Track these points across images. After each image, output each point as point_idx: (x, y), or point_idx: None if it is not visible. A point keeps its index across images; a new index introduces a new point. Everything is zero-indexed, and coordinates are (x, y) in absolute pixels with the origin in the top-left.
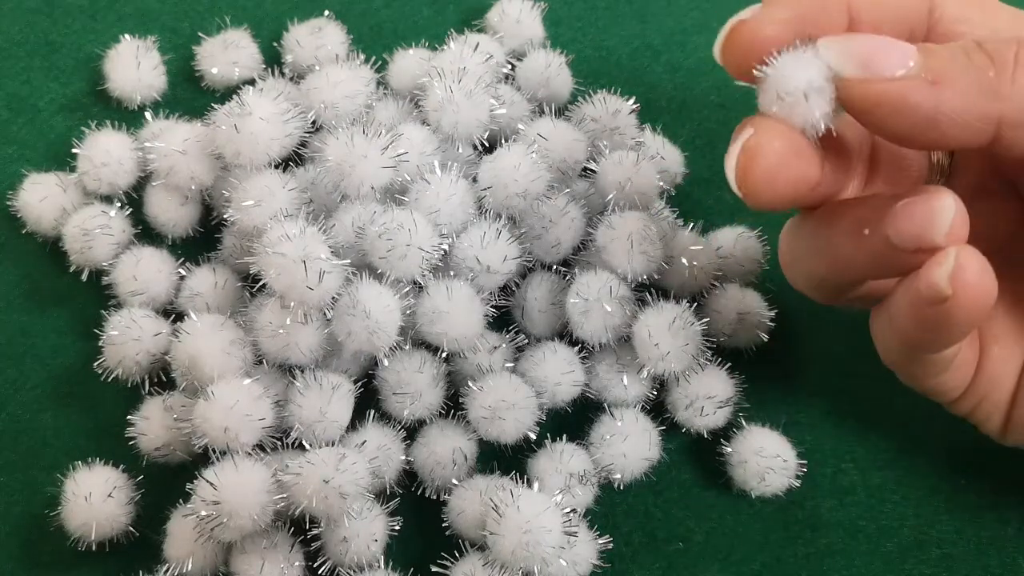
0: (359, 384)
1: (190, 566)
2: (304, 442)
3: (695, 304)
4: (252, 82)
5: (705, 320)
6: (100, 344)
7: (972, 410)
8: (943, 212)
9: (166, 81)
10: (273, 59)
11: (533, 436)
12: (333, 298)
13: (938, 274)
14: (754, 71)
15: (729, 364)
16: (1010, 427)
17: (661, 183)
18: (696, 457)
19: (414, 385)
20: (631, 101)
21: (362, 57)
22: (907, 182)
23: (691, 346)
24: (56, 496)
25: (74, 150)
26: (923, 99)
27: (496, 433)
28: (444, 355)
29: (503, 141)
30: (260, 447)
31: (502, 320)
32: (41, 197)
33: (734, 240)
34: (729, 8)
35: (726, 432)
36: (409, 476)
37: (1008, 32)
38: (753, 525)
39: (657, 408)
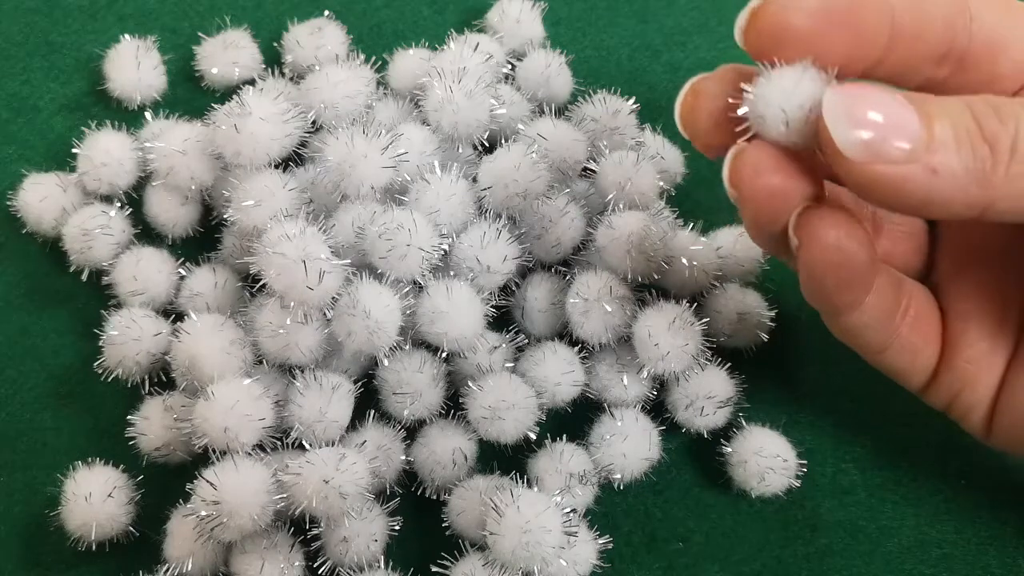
0: (359, 384)
1: (190, 566)
2: (304, 442)
3: (695, 304)
4: (252, 82)
5: (705, 320)
6: (100, 344)
7: (948, 406)
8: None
9: (166, 81)
10: (273, 59)
11: (533, 436)
12: (333, 298)
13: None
14: (742, 88)
15: (729, 364)
16: (992, 431)
17: (661, 183)
18: (696, 457)
19: (414, 385)
20: (631, 101)
21: (362, 57)
22: None
23: (691, 346)
24: (56, 496)
25: (74, 150)
26: (920, 186)
27: (496, 433)
28: (444, 355)
29: (503, 141)
30: (260, 447)
31: (502, 320)
32: (41, 197)
33: (734, 240)
34: (729, 8)
35: (726, 432)
36: (409, 476)
37: None
38: (753, 525)
39: (657, 408)
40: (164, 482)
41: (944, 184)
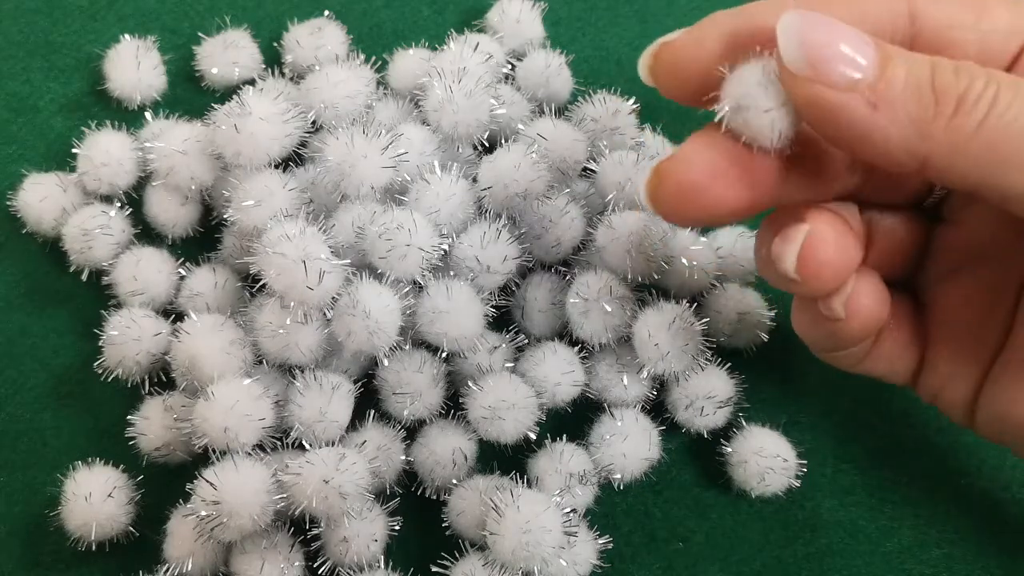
0: (359, 384)
1: (190, 566)
2: (304, 442)
3: (695, 304)
4: (252, 82)
5: (705, 320)
6: (100, 344)
7: (932, 400)
8: (790, 244)
9: (166, 81)
10: (273, 59)
11: (533, 436)
12: (333, 298)
13: (836, 301)
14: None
15: (729, 364)
16: (975, 423)
17: None
18: (696, 457)
19: (414, 385)
20: (631, 101)
21: (362, 57)
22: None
23: (691, 346)
24: (56, 496)
25: (74, 150)
26: (858, 118)
27: (496, 433)
28: (444, 355)
29: (503, 141)
30: (260, 447)
31: (502, 320)
32: (41, 197)
33: (734, 240)
34: (729, 9)
35: (726, 432)
36: (409, 476)
37: (1007, 32)
38: (753, 525)
39: (657, 408)
40: (164, 482)
41: (882, 122)
